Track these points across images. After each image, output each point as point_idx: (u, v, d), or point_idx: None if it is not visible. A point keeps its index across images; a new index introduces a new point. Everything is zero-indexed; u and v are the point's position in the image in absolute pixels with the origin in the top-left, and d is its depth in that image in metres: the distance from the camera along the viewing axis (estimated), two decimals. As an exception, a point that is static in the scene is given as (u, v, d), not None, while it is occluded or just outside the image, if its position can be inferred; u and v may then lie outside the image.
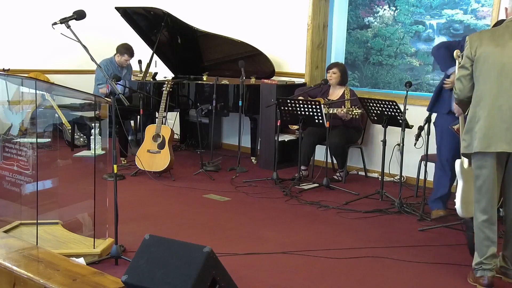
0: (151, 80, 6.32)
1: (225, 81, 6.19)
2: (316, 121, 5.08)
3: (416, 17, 5.78)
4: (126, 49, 6.53)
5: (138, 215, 4.34)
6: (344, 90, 5.56)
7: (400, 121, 4.60)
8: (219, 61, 6.73)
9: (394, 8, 5.93)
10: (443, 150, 4.24)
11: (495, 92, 3.02)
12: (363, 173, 5.90)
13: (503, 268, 3.25)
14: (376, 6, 6.06)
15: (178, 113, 7.24)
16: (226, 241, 3.83)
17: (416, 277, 3.36)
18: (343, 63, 5.97)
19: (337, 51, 6.48)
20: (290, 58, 6.52)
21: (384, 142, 4.79)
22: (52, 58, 7.42)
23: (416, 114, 5.09)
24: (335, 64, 5.65)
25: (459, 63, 3.30)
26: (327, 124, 5.07)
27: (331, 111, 5.20)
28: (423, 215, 4.38)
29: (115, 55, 6.60)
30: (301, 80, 6.34)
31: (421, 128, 4.45)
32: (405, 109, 4.54)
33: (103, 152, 4.02)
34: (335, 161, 5.80)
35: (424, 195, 4.54)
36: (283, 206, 4.71)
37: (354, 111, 5.14)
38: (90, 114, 5.92)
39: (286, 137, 6.04)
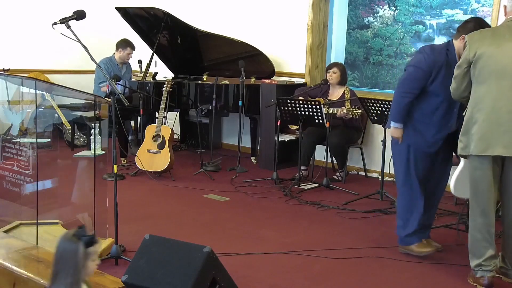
0: (151, 80, 6.32)
1: (225, 81, 6.19)
2: (316, 121, 5.08)
3: (416, 17, 5.78)
4: (127, 43, 6.54)
5: (138, 215, 4.33)
6: (344, 90, 5.56)
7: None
8: (219, 61, 6.73)
9: (394, 8, 5.93)
10: (414, 176, 3.62)
11: (494, 94, 2.98)
12: (363, 173, 5.90)
13: (503, 268, 3.25)
14: (376, 6, 6.06)
15: (178, 113, 7.24)
16: (226, 241, 3.83)
17: (416, 277, 3.36)
18: (343, 63, 5.97)
19: (337, 51, 6.48)
20: (290, 58, 6.52)
21: (384, 142, 4.79)
22: (52, 58, 7.41)
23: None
24: (335, 64, 5.65)
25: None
26: (327, 124, 5.07)
27: (331, 111, 5.20)
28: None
29: (114, 53, 6.60)
30: (301, 80, 6.34)
31: None
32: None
33: (103, 152, 4.02)
34: (335, 161, 5.80)
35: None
36: (283, 206, 4.71)
37: (354, 111, 5.14)
38: (90, 114, 5.92)
39: (286, 137, 6.04)
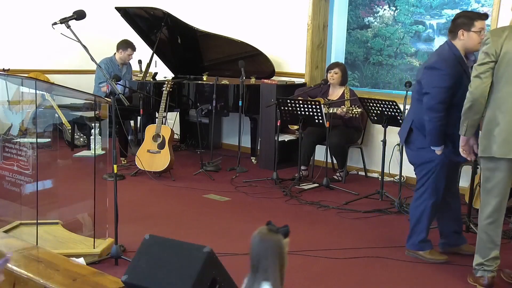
0: (151, 80, 6.33)
1: (225, 81, 6.19)
2: (316, 121, 5.08)
3: (416, 17, 5.78)
4: (128, 44, 6.55)
5: (138, 215, 4.33)
6: (344, 90, 5.56)
7: (400, 121, 4.59)
8: (219, 61, 6.73)
9: (394, 8, 5.93)
10: (442, 186, 3.54)
11: None
12: (363, 173, 5.90)
13: None
14: (376, 6, 6.06)
15: (178, 113, 7.24)
16: (226, 241, 3.83)
17: (416, 277, 3.36)
18: (343, 63, 5.97)
19: (337, 51, 6.48)
20: (290, 58, 6.52)
21: (384, 142, 4.79)
22: (52, 58, 7.42)
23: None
24: (336, 64, 5.64)
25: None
26: (327, 124, 5.07)
27: (331, 111, 5.20)
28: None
29: (115, 53, 6.61)
30: (301, 80, 6.34)
31: None
32: (405, 109, 4.54)
33: (103, 152, 4.02)
34: (335, 161, 5.80)
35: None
36: (283, 206, 4.71)
37: (354, 109, 5.14)
38: (90, 114, 5.92)
39: (286, 137, 6.04)
